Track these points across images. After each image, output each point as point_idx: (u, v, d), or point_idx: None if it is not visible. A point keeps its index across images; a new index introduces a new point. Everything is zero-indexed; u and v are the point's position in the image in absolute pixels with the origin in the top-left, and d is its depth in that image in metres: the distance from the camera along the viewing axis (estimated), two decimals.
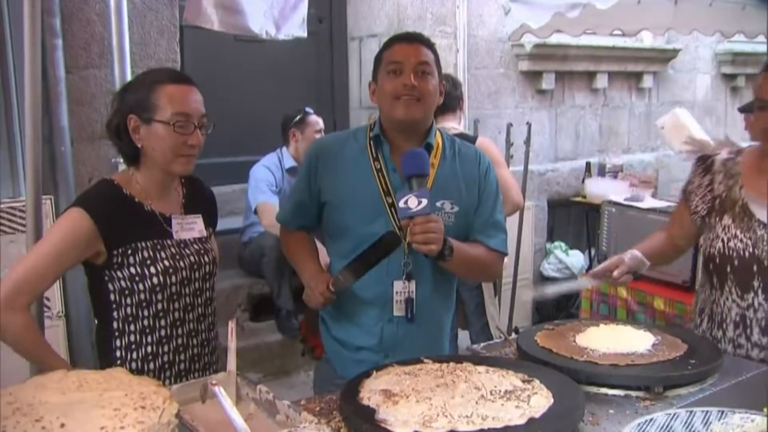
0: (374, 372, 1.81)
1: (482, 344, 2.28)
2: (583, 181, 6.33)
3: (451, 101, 4.22)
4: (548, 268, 6.17)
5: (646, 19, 5.39)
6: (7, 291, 1.93)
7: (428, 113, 2.24)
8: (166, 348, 2.11)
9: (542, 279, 6.19)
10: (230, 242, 4.87)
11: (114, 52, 3.55)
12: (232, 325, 1.92)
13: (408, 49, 2.19)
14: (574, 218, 6.58)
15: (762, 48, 7.23)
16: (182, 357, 2.15)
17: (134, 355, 2.09)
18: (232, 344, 1.88)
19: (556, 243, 6.28)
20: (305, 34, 4.14)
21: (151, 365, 2.10)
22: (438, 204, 2.17)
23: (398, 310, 2.22)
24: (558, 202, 6.43)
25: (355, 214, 2.23)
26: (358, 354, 2.25)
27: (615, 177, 5.95)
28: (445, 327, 2.37)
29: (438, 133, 2.31)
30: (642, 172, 6.23)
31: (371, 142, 2.26)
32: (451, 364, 1.85)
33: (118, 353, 2.09)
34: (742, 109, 6.03)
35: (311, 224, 2.40)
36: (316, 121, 4.78)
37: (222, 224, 4.94)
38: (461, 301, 4.38)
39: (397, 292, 2.21)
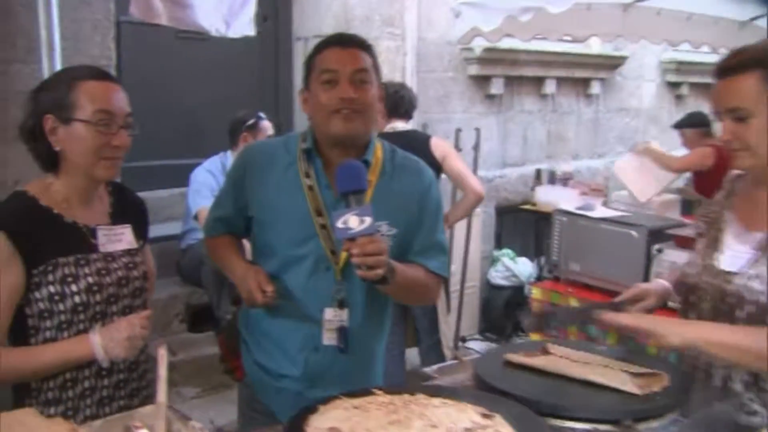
0: (320, 407, 1.64)
1: (435, 367, 2.15)
2: (532, 189, 6.29)
3: (406, 109, 4.14)
4: (496, 276, 6.09)
5: (596, 26, 5.41)
6: None
7: (369, 126, 2.05)
8: (86, 372, 1.91)
9: (489, 286, 6.12)
10: (168, 249, 4.66)
11: (42, 47, 3.38)
12: (162, 351, 1.74)
13: (343, 55, 1.99)
14: (522, 225, 6.51)
15: (705, 58, 7.33)
16: (105, 383, 1.95)
17: (51, 384, 1.89)
18: (162, 372, 1.70)
19: (504, 250, 6.21)
20: (254, 33, 4.03)
21: (70, 393, 1.91)
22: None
23: (328, 339, 2.03)
24: (506, 209, 6.37)
25: (282, 234, 2.04)
26: (280, 382, 2.09)
27: (565, 184, 5.93)
28: (376, 356, 2.19)
29: (378, 146, 2.11)
30: (591, 179, 6.21)
31: (302, 155, 2.06)
32: (405, 396, 1.70)
33: (33, 383, 1.89)
34: (677, 125, 5.88)
35: (237, 233, 2.24)
36: (268, 126, 4.66)
37: (160, 230, 4.82)
38: (412, 317, 4.27)
39: (328, 320, 2.02)
